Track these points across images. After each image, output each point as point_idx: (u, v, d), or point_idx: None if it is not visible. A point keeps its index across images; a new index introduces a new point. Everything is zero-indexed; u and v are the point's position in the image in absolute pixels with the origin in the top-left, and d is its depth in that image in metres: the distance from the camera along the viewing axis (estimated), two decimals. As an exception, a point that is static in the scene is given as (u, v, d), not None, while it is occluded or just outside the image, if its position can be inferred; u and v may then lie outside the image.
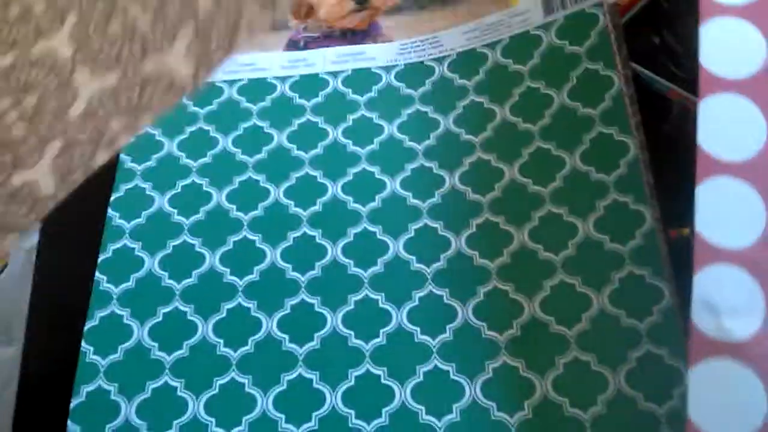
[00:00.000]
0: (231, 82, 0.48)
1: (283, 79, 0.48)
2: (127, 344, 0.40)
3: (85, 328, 0.41)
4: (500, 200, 0.42)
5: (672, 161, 0.41)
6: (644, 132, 0.41)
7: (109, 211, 0.44)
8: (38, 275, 0.46)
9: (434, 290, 0.40)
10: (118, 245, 0.43)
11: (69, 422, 0.38)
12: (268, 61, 0.49)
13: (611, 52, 0.43)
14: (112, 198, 0.45)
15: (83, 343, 0.40)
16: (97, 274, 0.42)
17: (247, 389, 0.38)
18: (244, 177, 0.45)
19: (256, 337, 0.40)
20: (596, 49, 0.43)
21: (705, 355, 0.31)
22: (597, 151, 0.41)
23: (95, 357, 0.40)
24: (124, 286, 0.42)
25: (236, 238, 0.43)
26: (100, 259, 0.43)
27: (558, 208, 0.40)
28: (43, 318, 0.44)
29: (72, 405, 0.39)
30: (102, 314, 0.41)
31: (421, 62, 0.47)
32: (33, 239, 0.86)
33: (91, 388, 0.39)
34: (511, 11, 0.46)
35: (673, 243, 0.39)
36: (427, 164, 0.44)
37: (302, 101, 0.47)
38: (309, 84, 0.48)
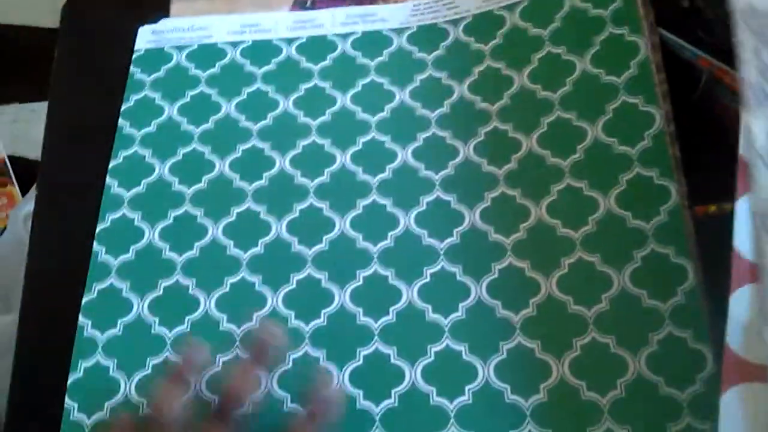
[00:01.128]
0: (234, 44, 0.46)
1: (289, 41, 0.46)
2: (126, 318, 0.38)
3: (83, 302, 0.39)
4: (517, 173, 0.39)
5: (699, 133, 0.39)
6: (670, 102, 0.39)
7: (108, 178, 0.42)
8: (34, 241, 0.44)
9: (446, 266, 0.38)
10: (116, 215, 0.41)
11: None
12: (273, 21, 0.47)
13: (638, 16, 0.40)
14: (110, 165, 0.43)
15: (81, 317, 0.39)
16: (95, 244, 0.40)
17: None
18: (248, 145, 0.43)
19: (261, 313, 0.38)
20: (622, 13, 0.41)
21: (739, 379, 0.29)
22: (621, 122, 0.39)
23: (93, 331, 0.38)
24: (123, 257, 0.40)
25: (240, 209, 0.41)
26: (98, 229, 0.41)
27: (578, 181, 0.38)
28: (40, 284, 0.43)
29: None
30: (100, 287, 0.39)
31: (435, 24, 0.45)
32: (30, 206, 0.85)
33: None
34: (530, -29, 0.44)
35: (698, 220, 0.37)
36: (440, 133, 0.42)
37: (309, 65, 0.45)
38: (316, 46, 0.45)
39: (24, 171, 1.13)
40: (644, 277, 0.36)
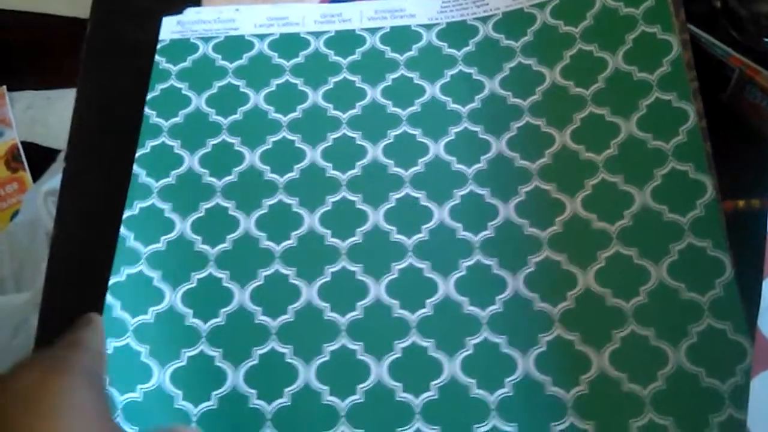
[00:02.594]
0: (261, 36, 0.46)
1: (317, 34, 0.46)
2: (159, 307, 0.38)
3: (110, 284, 0.38)
4: (551, 167, 0.40)
5: (729, 131, 0.39)
6: (701, 100, 0.39)
7: (135, 167, 0.42)
8: (57, 224, 0.43)
9: (482, 260, 0.38)
10: (145, 203, 0.41)
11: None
12: (300, 15, 0.46)
13: (669, 15, 0.41)
14: (137, 154, 0.42)
15: (109, 297, 0.38)
16: (122, 230, 0.40)
17: (288, 359, 0.36)
18: (278, 137, 0.42)
19: (296, 305, 0.37)
20: (653, 12, 0.41)
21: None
22: (654, 118, 0.39)
23: (123, 312, 0.38)
24: (153, 247, 0.39)
25: (271, 202, 0.40)
26: (125, 216, 0.40)
27: (613, 176, 0.38)
28: (63, 264, 0.42)
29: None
30: (130, 271, 0.38)
31: (464, 21, 0.45)
32: (51, 182, 0.84)
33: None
34: (561, -31, 0.44)
35: (727, 215, 0.37)
36: (472, 128, 0.41)
37: (338, 58, 0.45)
38: (345, 41, 0.45)
39: (37, 157, 1.12)
40: (682, 270, 0.36)
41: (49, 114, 1.17)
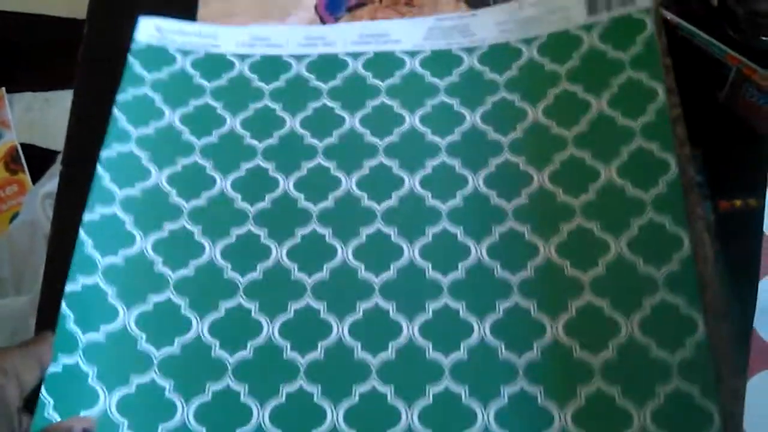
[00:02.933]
0: (243, 57, 0.45)
1: (299, 57, 0.45)
2: (110, 326, 0.37)
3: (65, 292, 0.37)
4: (526, 208, 0.39)
5: (726, 130, 0.39)
6: (689, 147, 0.38)
7: (99, 168, 0.41)
8: (54, 227, 0.42)
9: (450, 303, 0.37)
10: (107, 210, 0.40)
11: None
12: (284, 36, 0.46)
13: (658, 61, 0.40)
14: (102, 154, 0.41)
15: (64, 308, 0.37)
16: (81, 233, 0.39)
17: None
18: (251, 164, 0.41)
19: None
20: (642, 58, 0.40)
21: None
22: (635, 166, 0.38)
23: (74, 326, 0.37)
24: (110, 259, 0.39)
25: (240, 231, 0.40)
26: (85, 218, 0.39)
27: (589, 221, 0.37)
28: (60, 267, 0.40)
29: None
30: (85, 281, 0.38)
31: (449, 50, 0.44)
32: (50, 184, 0.83)
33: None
34: (550, 6, 0.43)
35: (724, 215, 0.37)
36: (449, 162, 0.41)
37: (318, 83, 0.44)
38: (327, 65, 0.44)
39: (36, 159, 1.11)
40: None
41: (48, 115, 1.17)
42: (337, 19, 0.47)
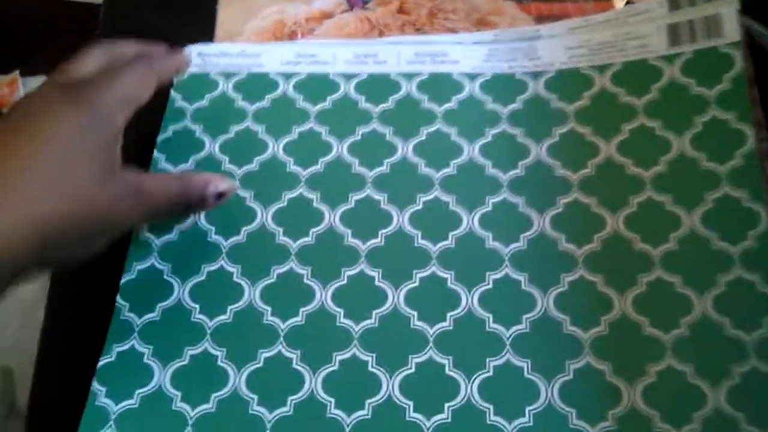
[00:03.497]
0: (287, 75, 0.41)
1: (348, 76, 0.41)
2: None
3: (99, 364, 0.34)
4: (598, 256, 0.35)
5: None
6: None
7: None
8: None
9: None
10: (143, 265, 0.37)
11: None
12: (331, 53, 0.42)
13: (745, 100, 0.36)
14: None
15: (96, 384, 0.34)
16: (118, 299, 0.37)
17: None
18: (294, 193, 0.38)
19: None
20: (729, 97, 0.36)
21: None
22: (720, 216, 0.34)
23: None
24: (148, 316, 0.36)
25: (281, 270, 0.36)
26: (123, 281, 0.37)
27: (671, 276, 0.34)
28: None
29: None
30: (120, 349, 0.35)
31: (512, 75, 0.40)
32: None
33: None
34: (626, 32, 0.39)
35: None
36: (512, 200, 0.37)
37: (368, 105, 0.40)
38: (378, 85, 0.41)
39: None
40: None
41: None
42: (365, 4, 0.44)
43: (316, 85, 0.41)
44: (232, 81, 0.41)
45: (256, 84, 0.41)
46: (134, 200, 0.31)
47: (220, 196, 0.35)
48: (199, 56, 0.42)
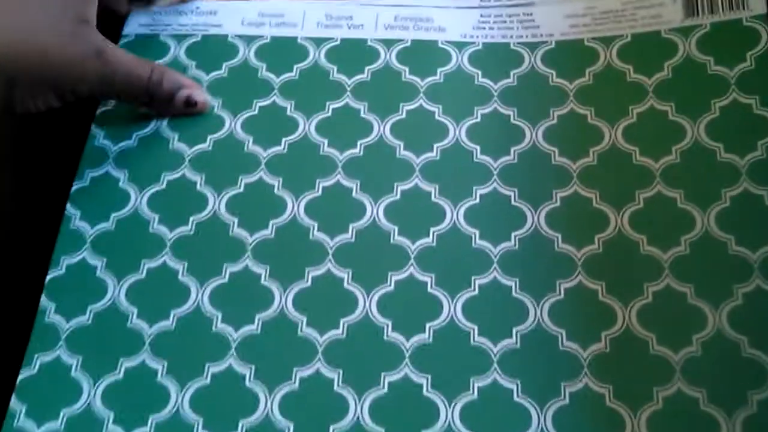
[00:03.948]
0: (248, 39, 0.36)
1: (318, 41, 0.36)
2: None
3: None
4: (599, 258, 0.31)
5: None
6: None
7: (69, 207, 0.33)
8: None
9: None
10: (74, 259, 0.32)
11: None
12: (300, 12, 0.37)
13: (772, 83, 0.31)
14: (73, 188, 0.33)
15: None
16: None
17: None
18: (253, 177, 0.33)
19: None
20: (752, 78, 0.32)
21: None
22: (739, 217, 0.30)
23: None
24: (76, 321, 0.31)
25: (235, 269, 0.31)
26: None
27: (682, 286, 0.30)
28: None
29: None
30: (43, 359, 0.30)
31: (507, 44, 0.35)
32: None
33: None
34: (637, 0, 0.34)
35: None
36: (503, 191, 0.32)
37: (340, 77, 0.35)
38: (352, 53, 0.36)
39: None
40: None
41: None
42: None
43: (282, 51, 0.36)
44: (184, 45, 0.36)
45: (212, 49, 0.36)
46: (93, 60, 0.30)
47: (189, 104, 0.33)
48: (147, 16, 0.36)
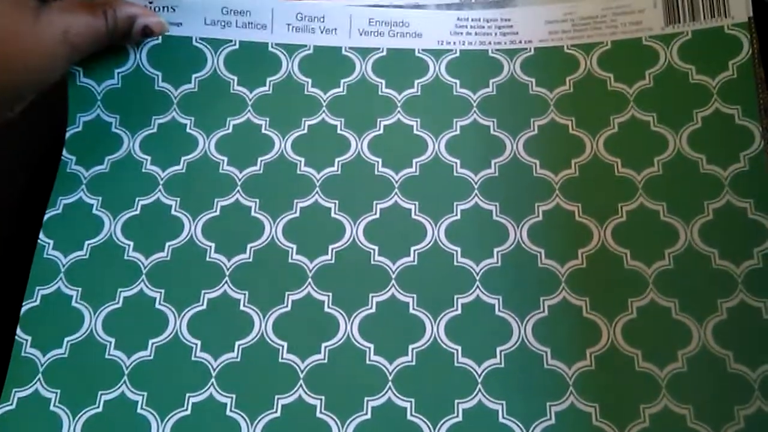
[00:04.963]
0: (215, 44, 0.35)
1: (290, 49, 0.35)
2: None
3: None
4: (583, 273, 0.30)
5: None
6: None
7: (42, 235, 0.32)
8: None
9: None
10: (48, 290, 0.31)
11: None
12: (268, 10, 0.35)
13: (753, 93, 0.31)
14: (46, 216, 0.32)
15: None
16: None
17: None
18: (228, 200, 0.32)
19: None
20: (734, 88, 0.31)
21: None
22: (722, 230, 0.30)
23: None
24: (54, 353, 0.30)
25: (213, 295, 0.31)
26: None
27: (666, 300, 0.29)
28: None
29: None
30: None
31: (485, 52, 0.34)
32: None
33: None
34: (617, 6, 0.33)
35: None
36: (484, 206, 0.32)
37: (315, 91, 0.34)
38: (327, 64, 0.35)
39: None
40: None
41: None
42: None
43: (252, 61, 0.34)
44: (145, 50, 0.34)
45: (176, 56, 0.34)
46: (62, 47, 0.30)
47: (146, 35, 0.33)
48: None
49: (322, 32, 0.35)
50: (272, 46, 0.35)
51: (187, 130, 0.33)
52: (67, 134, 0.33)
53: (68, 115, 0.33)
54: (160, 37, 0.34)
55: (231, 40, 0.35)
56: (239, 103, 0.34)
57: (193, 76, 0.34)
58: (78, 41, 0.30)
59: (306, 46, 0.35)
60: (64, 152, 0.33)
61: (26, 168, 0.35)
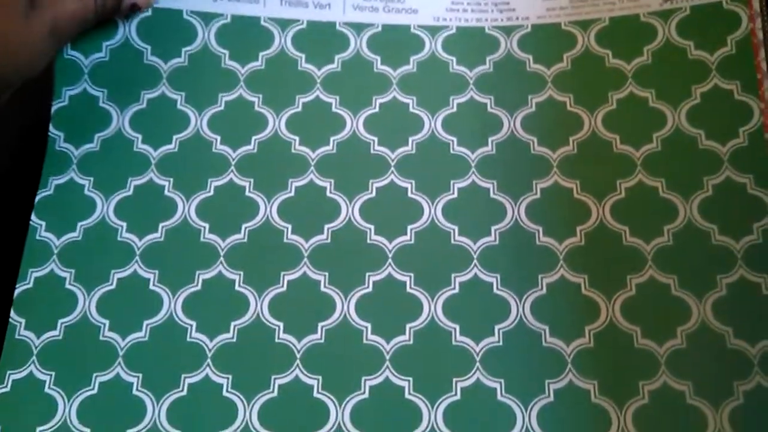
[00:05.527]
0: (207, 18, 0.34)
1: (282, 24, 0.34)
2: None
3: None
4: (582, 251, 0.30)
5: None
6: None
7: (33, 217, 0.31)
8: None
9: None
10: (41, 272, 0.30)
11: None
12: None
13: (753, 69, 0.31)
14: (37, 197, 0.31)
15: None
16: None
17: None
18: (222, 180, 0.32)
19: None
20: (733, 64, 0.31)
21: None
22: (722, 205, 0.30)
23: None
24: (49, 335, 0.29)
25: (208, 275, 0.30)
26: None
27: (665, 277, 0.29)
28: None
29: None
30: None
31: (482, 29, 0.34)
32: None
33: None
34: (616, -22, 0.33)
35: None
36: (481, 184, 0.31)
37: (309, 67, 0.33)
38: (320, 39, 0.34)
39: None
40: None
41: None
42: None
43: (244, 35, 0.34)
44: (133, 24, 0.34)
45: (166, 29, 0.33)
46: (50, 40, 0.29)
47: (134, 10, 0.33)
48: None
49: (315, 7, 0.35)
50: (264, 21, 0.34)
51: (178, 106, 0.32)
52: (53, 108, 0.32)
53: (54, 89, 0.32)
54: (150, 10, 0.34)
55: (222, 14, 0.34)
56: (231, 79, 0.33)
57: (183, 49, 0.33)
58: (66, 31, 0.30)
59: (299, 20, 0.34)
60: (51, 128, 0.32)
61: (10, 146, 0.34)
